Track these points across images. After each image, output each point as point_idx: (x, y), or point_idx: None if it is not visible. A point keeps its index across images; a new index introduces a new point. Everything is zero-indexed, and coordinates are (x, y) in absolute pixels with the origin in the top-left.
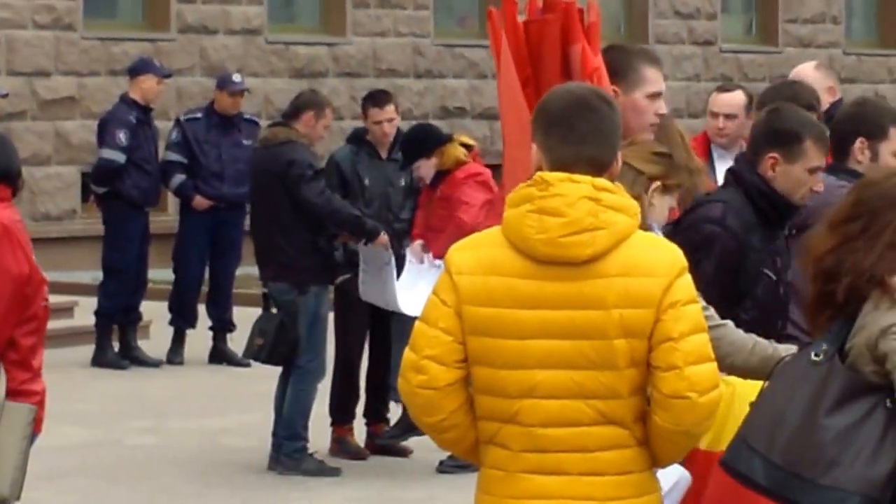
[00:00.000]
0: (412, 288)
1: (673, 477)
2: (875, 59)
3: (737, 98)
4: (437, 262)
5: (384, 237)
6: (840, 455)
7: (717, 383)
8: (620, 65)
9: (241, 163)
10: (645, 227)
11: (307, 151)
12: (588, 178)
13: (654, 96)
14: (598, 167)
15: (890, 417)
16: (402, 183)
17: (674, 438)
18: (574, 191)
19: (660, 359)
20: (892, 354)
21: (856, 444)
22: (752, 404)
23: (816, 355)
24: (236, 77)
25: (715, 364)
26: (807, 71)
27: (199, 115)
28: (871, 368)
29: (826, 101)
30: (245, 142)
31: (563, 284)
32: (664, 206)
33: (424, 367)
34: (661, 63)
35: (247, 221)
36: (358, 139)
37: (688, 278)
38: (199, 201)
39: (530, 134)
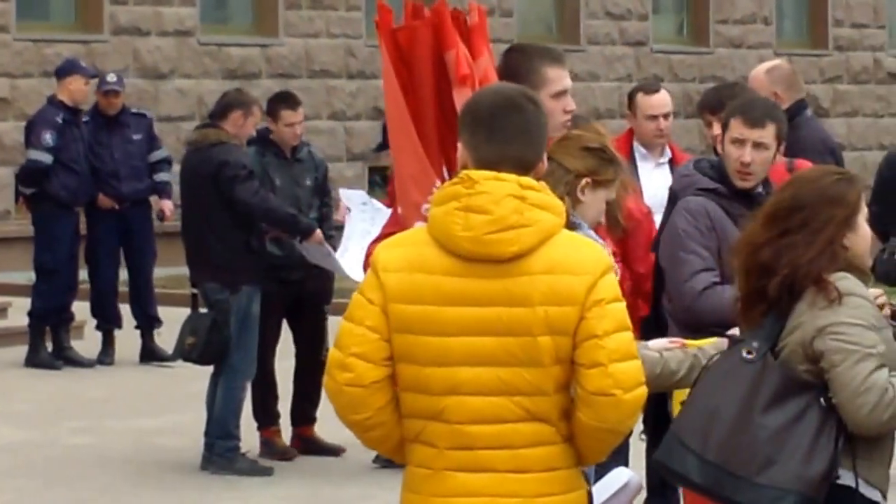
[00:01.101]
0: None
1: (622, 479)
2: (806, 60)
3: (667, 96)
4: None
5: (319, 234)
6: (776, 453)
7: (642, 381)
8: (521, 67)
9: (136, 158)
10: (570, 224)
11: (239, 152)
12: (514, 176)
13: (559, 95)
14: (523, 166)
15: (824, 416)
16: (309, 182)
17: (598, 435)
18: (500, 189)
19: (584, 356)
20: (829, 354)
21: (791, 442)
22: (683, 403)
23: (749, 353)
24: (111, 77)
25: (639, 362)
26: (759, 73)
27: (86, 118)
28: (805, 367)
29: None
30: (135, 137)
31: (489, 282)
32: (596, 201)
33: (350, 365)
34: (564, 61)
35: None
36: (263, 141)
37: (612, 277)
38: (103, 200)
39: (410, 138)
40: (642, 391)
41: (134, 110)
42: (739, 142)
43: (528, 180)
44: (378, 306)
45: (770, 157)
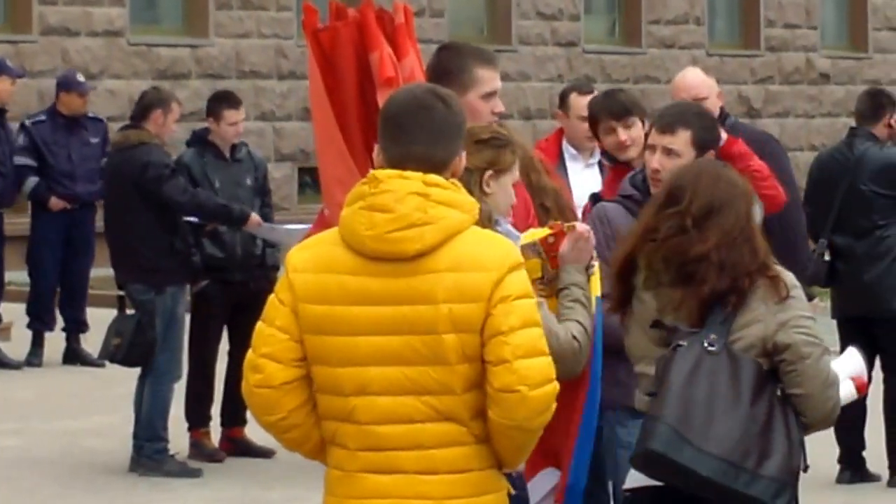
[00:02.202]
0: None
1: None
2: (738, 60)
3: None
4: None
5: (255, 217)
6: (767, 446)
7: (551, 377)
8: (452, 66)
9: (92, 161)
10: (484, 223)
11: (161, 151)
12: (419, 174)
13: (489, 96)
14: (430, 164)
15: (787, 408)
16: (249, 182)
17: (508, 434)
18: (403, 187)
19: (490, 353)
20: (799, 347)
21: (776, 434)
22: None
23: (710, 345)
24: (80, 77)
25: (549, 358)
26: (688, 76)
27: (43, 117)
28: (760, 360)
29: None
30: (93, 140)
31: (393, 280)
32: (503, 189)
33: (261, 366)
34: (495, 62)
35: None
36: (200, 141)
37: (522, 274)
38: (55, 202)
39: (339, 147)
40: (551, 388)
41: (91, 114)
42: (651, 148)
43: (433, 178)
44: (288, 307)
45: (683, 164)
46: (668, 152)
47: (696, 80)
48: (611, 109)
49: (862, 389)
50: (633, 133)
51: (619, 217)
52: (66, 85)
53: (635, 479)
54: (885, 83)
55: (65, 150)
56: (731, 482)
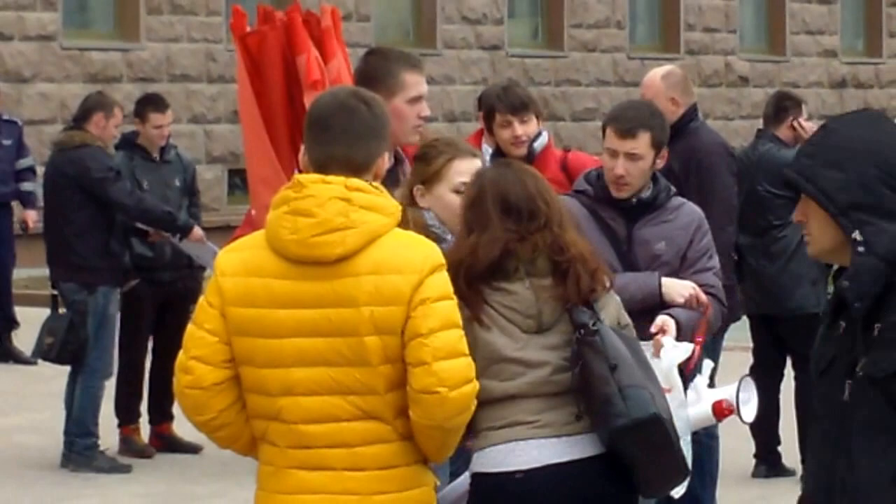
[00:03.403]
0: None
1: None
2: (658, 63)
3: None
4: None
5: (198, 231)
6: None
7: (470, 378)
8: (379, 71)
9: (4, 163)
10: (419, 231)
11: (103, 154)
12: (342, 178)
13: (415, 100)
14: (352, 167)
15: None
16: (178, 183)
17: (428, 433)
18: (325, 191)
19: (410, 355)
20: (631, 329)
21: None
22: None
23: (599, 322)
24: None
25: (468, 359)
26: (655, 77)
27: None
28: None
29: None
30: (5, 142)
31: (316, 284)
32: (438, 201)
33: (191, 368)
34: (421, 67)
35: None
36: (129, 144)
37: (443, 276)
38: None
39: (266, 150)
40: (470, 388)
41: (6, 117)
42: (613, 153)
43: (356, 182)
44: (217, 309)
45: (646, 166)
46: (632, 157)
47: (664, 82)
48: (509, 103)
49: (720, 416)
50: (528, 129)
51: (574, 209)
52: None
53: (491, 461)
54: (802, 86)
55: None
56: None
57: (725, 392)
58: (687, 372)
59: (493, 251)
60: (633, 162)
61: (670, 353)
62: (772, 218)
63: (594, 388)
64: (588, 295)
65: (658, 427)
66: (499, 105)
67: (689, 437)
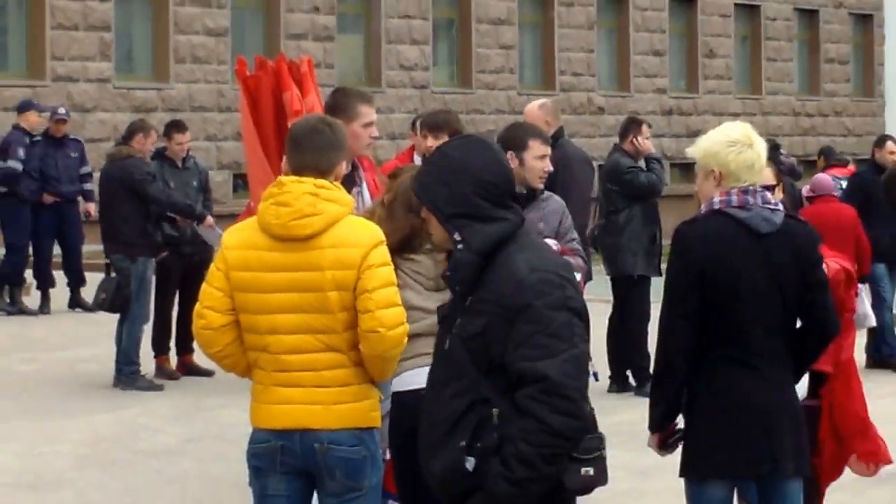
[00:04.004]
0: None
1: None
2: (539, 97)
3: None
4: None
5: (210, 218)
6: None
7: (402, 322)
8: (342, 104)
9: (73, 170)
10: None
11: (142, 163)
12: (311, 179)
13: (368, 125)
14: (319, 171)
15: None
16: (195, 184)
17: (373, 361)
18: (299, 189)
19: (360, 305)
20: None
21: None
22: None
23: None
24: (61, 109)
25: (401, 308)
26: (533, 108)
27: (38, 137)
28: None
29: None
30: (73, 154)
31: (294, 255)
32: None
33: (204, 314)
34: (372, 101)
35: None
36: (161, 155)
37: (383, 248)
38: (46, 197)
39: (261, 160)
40: (402, 329)
41: (73, 136)
42: (542, 157)
43: (322, 181)
44: (223, 272)
45: None
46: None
47: (541, 110)
48: (429, 122)
49: None
50: (436, 144)
51: None
52: (52, 116)
53: (403, 382)
54: (642, 114)
55: (53, 161)
56: None
57: None
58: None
59: (398, 235)
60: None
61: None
62: (611, 206)
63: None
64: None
65: None
66: (422, 123)
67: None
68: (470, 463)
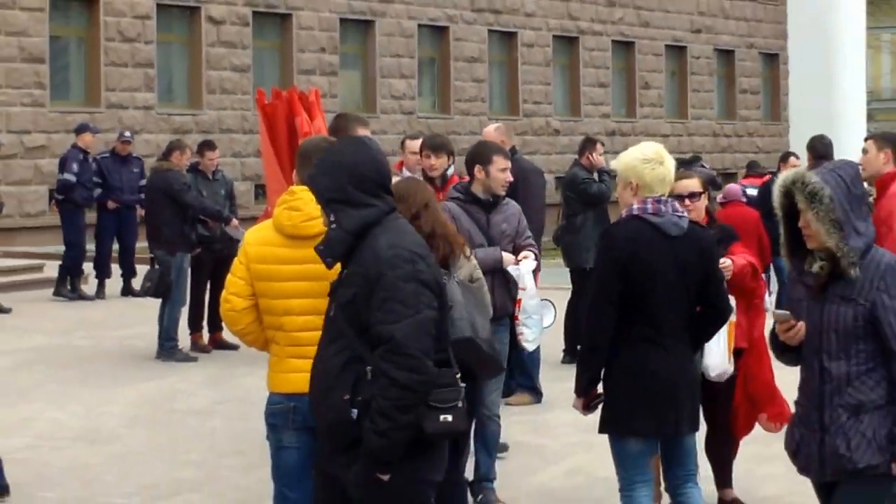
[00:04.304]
0: None
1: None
2: (506, 123)
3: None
4: None
5: (235, 221)
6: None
7: None
8: (343, 127)
9: (134, 181)
10: None
11: (180, 175)
12: None
13: None
14: None
15: None
16: (223, 192)
17: None
18: (307, 196)
19: None
20: (481, 278)
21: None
22: None
23: (454, 277)
24: (127, 133)
25: None
26: (490, 130)
27: (106, 154)
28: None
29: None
30: (135, 169)
31: (303, 250)
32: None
33: (229, 299)
34: (367, 124)
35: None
36: (195, 169)
37: None
38: (111, 203)
39: (277, 172)
40: None
41: (135, 155)
42: (504, 169)
43: None
44: (244, 265)
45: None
46: (433, 168)
47: (496, 132)
48: (431, 144)
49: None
50: (437, 162)
51: (454, 208)
52: (119, 138)
53: None
54: (591, 133)
55: (118, 174)
56: (493, 352)
57: (549, 312)
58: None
59: None
60: (435, 171)
61: (527, 265)
62: (570, 210)
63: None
64: (445, 259)
65: (471, 344)
66: (423, 144)
67: (537, 317)
68: (353, 413)
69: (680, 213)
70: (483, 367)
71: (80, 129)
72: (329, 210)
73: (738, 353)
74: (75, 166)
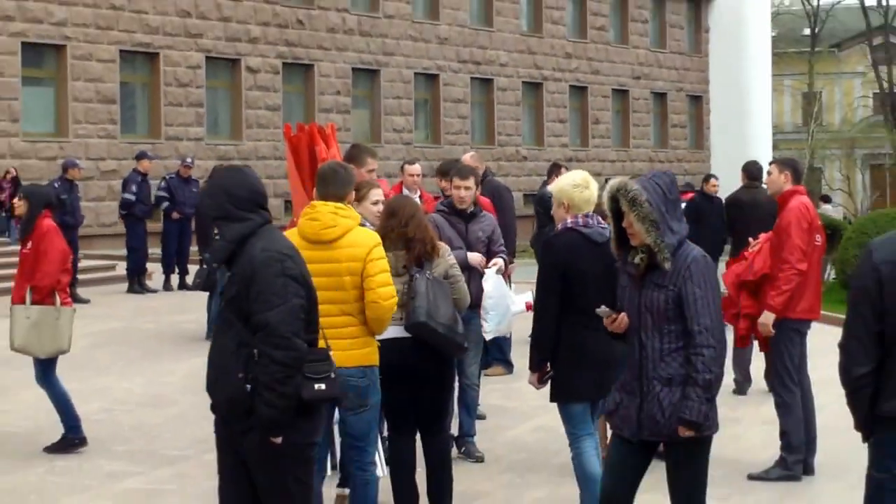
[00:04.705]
0: None
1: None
2: (484, 151)
3: (419, 166)
4: None
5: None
6: (458, 316)
7: (393, 295)
8: (355, 156)
9: (194, 199)
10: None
11: None
12: (333, 203)
13: (371, 171)
14: (338, 198)
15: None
16: None
17: (373, 322)
18: (325, 209)
19: (365, 285)
20: (455, 273)
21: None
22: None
23: (428, 275)
24: (188, 159)
25: (392, 287)
26: (466, 157)
27: (173, 175)
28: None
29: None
30: (195, 189)
31: (321, 252)
32: (363, 208)
33: None
34: (375, 154)
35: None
36: None
37: (380, 247)
38: (175, 215)
39: (300, 190)
40: (393, 301)
41: (195, 178)
42: (457, 186)
43: (339, 204)
44: None
45: (474, 192)
46: (468, 188)
47: (471, 159)
48: (459, 172)
49: (528, 308)
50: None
51: (438, 219)
52: (182, 163)
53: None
54: (553, 159)
55: (182, 193)
56: (451, 334)
57: (527, 297)
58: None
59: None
60: (468, 191)
61: (490, 271)
62: (540, 223)
63: (407, 304)
64: (420, 259)
65: (425, 327)
66: (453, 172)
67: (494, 313)
68: (248, 387)
69: (603, 226)
70: (442, 347)
71: (140, 156)
72: (216, 225)
73: None
74: (134, 187)
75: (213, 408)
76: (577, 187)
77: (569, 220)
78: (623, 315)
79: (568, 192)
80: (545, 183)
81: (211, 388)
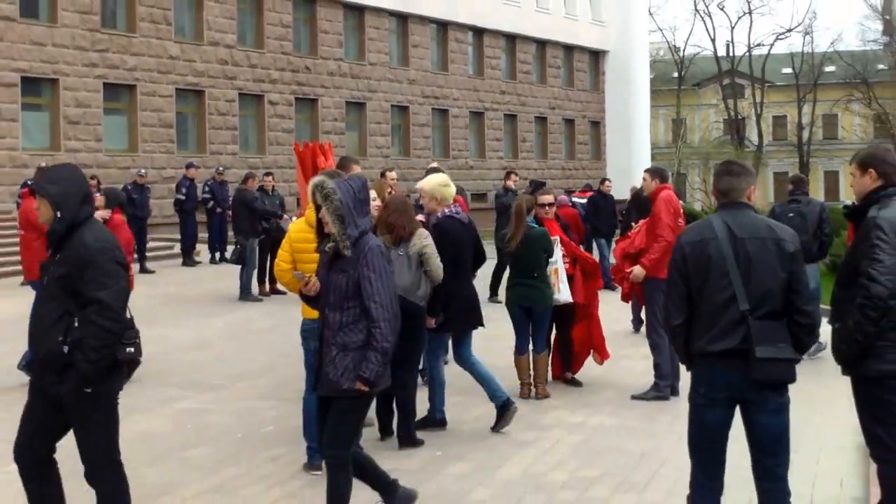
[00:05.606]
0: None
1: None
2: (440, 163)
3: (395, 173)
4: None
5: (285, 217)
6: (423, 284)
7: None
8: (344, 164)
9: (228, 197)
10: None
11: (252, 193)
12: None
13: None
14: None
15: (422, 270)
16: (277, 202)
17: None
18: None
19: None
20: (428, 253)
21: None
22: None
23: (401, 252)
24: (220, 168)
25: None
26: (432, 165)
27: (212, 180)
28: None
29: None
30: (227, 191)
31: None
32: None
33: (279, 265)
34: (359, 162)
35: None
36: (261, 189)
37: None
38: (217, 209)
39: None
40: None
41: (228, 181)
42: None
43: None
44: (288, 244)
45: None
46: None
47: (435, 167)
48: (538, 186)
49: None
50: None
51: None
52: (217, 172)
53: None
54: (494, 169)
55: (220, 193)
56: (407, 296)
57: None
58: None
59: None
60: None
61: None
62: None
63: None
64: (398, 239)
65: (400, 299)
66: (538, 187)
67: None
68: (65, 349)
69: (461, 214)
70: (401, 305)
71: (188, 166)
72: (56, 213)
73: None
74: (184, 189)
75: (33, 362)
76: (444, 186)
77: (446, 210)
78: (315, 280)
79: (440, 190)
80: (503, 186)
81: (31, 345)
